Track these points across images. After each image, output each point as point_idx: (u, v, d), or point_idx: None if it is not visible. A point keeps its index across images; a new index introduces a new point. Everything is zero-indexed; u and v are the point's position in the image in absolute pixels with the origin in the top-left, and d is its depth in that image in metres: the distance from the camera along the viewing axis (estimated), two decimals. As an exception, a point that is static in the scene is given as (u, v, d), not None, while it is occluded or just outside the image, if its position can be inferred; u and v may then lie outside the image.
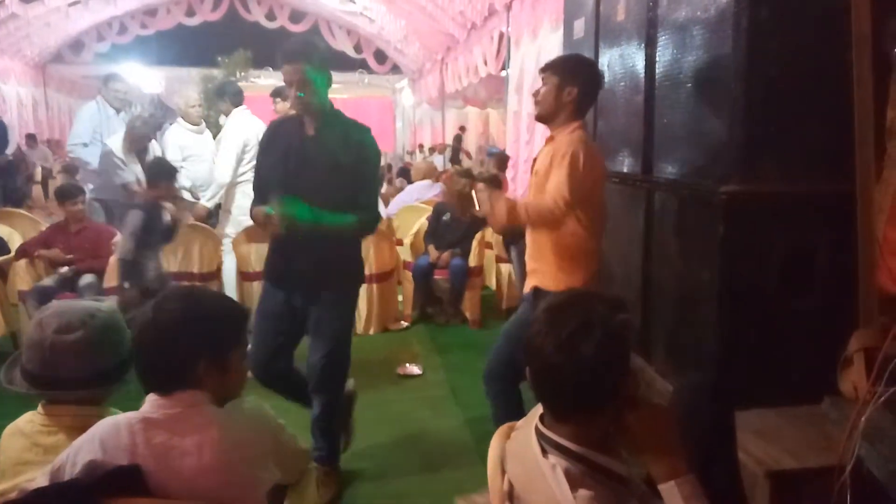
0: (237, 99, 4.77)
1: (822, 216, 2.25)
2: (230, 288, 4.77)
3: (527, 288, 2.57)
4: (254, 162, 3.50)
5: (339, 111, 2.55)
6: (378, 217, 2.62)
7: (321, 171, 2.42)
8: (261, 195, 2.54)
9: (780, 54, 2.17)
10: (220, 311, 1.39)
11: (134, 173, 4.84)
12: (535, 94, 2.54)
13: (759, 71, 2.16)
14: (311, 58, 2.40)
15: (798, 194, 2.24)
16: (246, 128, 4.63)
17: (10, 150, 6.18)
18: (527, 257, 2.61)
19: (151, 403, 1.31)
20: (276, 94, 5.27)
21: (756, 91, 2.17)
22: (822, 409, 2.20)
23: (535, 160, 2.65)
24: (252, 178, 2.75)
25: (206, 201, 4.82)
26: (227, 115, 4.87)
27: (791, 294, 2.27)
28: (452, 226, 5.22)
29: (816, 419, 2.17)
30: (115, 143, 4.89)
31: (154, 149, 5.11)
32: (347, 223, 2.44)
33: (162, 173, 3.95)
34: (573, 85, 2.43)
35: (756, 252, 2.25)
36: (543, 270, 2.48)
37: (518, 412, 2.46)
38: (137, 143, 4.92)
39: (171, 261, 4.70)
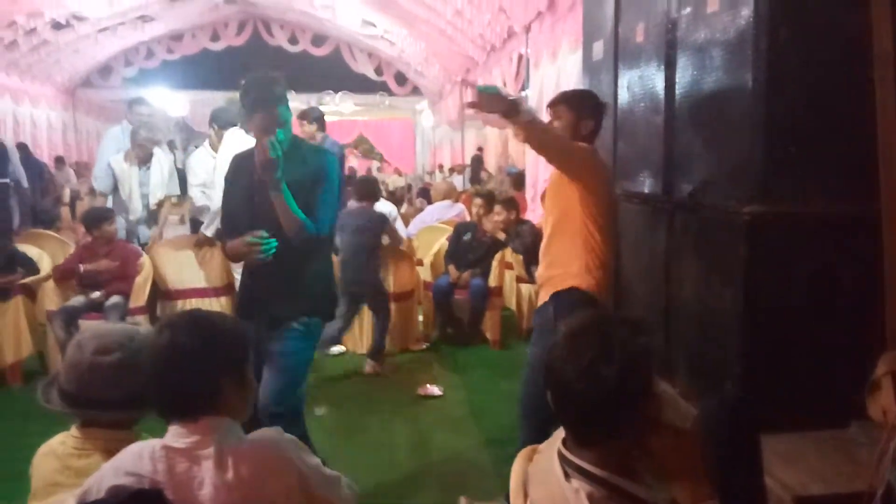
0: (224, 123, 4.74)
1: (846, 237, 2.23)
2: None
3: (543, 298, 2.57)
4: None
5: (297, 136, 2.58)
6: (324, 234, 2.49)
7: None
8: (231, 228, 2.51)
9: (800, 75, 2.17)
10: (229, 328, 1.41)
11: (129, 184, 4.95)
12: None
13: (780, 92, 2.16)
14: (285, 99, 2.41)
15: (821, 215, 2.22)
16: (236, 149, 4.56)
17: (12, 170, 6.36)
18: (541, 268, 2.62)
19: (174, 431, 1.31)
20: (303, 116, 5.37)
21: (777, 112, 2.17)
22: (851, 433, 2.16)
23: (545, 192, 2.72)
24: None
25: (205, 229, 4.68)
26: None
27: (816, 316, 2.24)
28: (473, 246, 5.23)
29: (844, 444, 2.13)
30: (118, 157, 5.01)
31: (158, 157, 5.15)
32: (303, 223, 2.37)
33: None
34: (590, 119, 2.56)
35: (779, 273, 2.23)
36: (560, 274, 2.52)
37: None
38: (140, 150, 4.98)
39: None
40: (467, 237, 5.26)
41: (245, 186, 2.47)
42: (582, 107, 2.57)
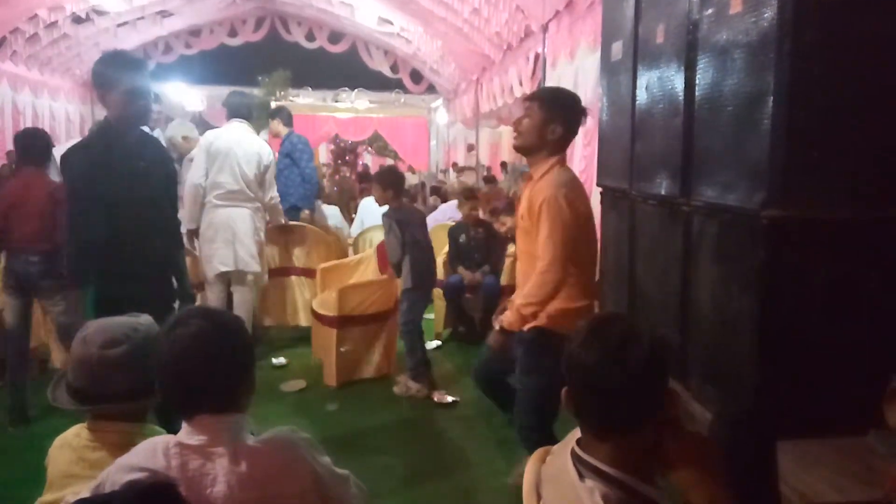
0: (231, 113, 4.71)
1: (867, 242, 2.20)
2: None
3: (523, 326, 2.50)
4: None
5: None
6: None
7: None
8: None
9: (823, 79, 2.14)
10: (240, 325, 1.41)
11: None
12: (517, 124, 2.52)
13: (803, 95, 2.13)
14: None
15: (841, 220, 2.19)
16: (235, 139, 4.53)
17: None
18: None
19: (188, 428, 1.31)
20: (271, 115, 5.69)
21: (799, 115, 2.14)
22: (868, 441, 2.13)
23: (518, 200, 2.66)
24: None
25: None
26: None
27: (834, 322, 2.21)
28: (473, 245, 5.24)
29: (862, 452, 2.10)
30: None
31: None
32: None
33: None
34: (558, 123, 2.44)
35: (798, 278, 2.20)
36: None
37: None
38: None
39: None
40: (462, 239, 5.28)
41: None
42: (553, 109, 2.44)
